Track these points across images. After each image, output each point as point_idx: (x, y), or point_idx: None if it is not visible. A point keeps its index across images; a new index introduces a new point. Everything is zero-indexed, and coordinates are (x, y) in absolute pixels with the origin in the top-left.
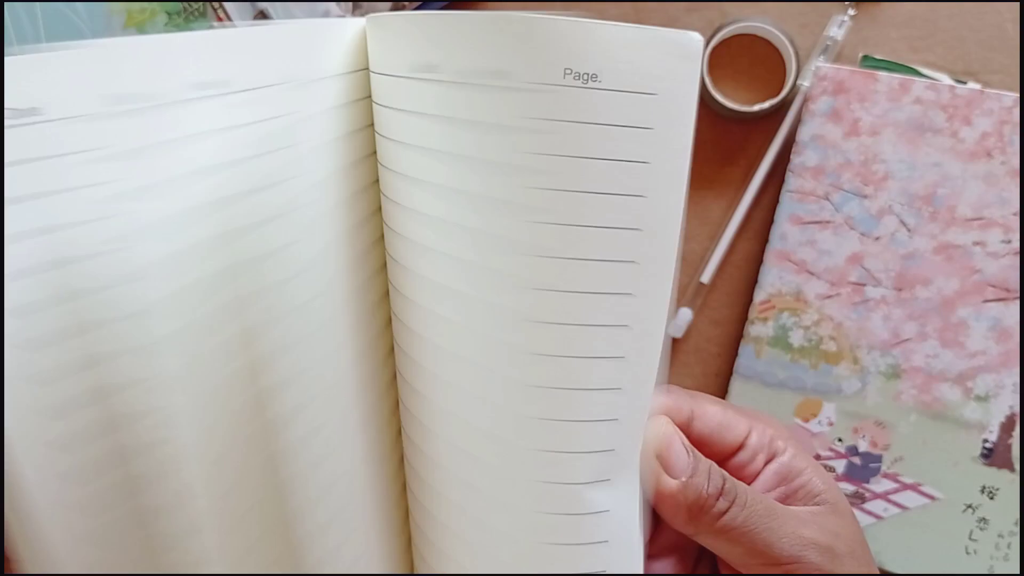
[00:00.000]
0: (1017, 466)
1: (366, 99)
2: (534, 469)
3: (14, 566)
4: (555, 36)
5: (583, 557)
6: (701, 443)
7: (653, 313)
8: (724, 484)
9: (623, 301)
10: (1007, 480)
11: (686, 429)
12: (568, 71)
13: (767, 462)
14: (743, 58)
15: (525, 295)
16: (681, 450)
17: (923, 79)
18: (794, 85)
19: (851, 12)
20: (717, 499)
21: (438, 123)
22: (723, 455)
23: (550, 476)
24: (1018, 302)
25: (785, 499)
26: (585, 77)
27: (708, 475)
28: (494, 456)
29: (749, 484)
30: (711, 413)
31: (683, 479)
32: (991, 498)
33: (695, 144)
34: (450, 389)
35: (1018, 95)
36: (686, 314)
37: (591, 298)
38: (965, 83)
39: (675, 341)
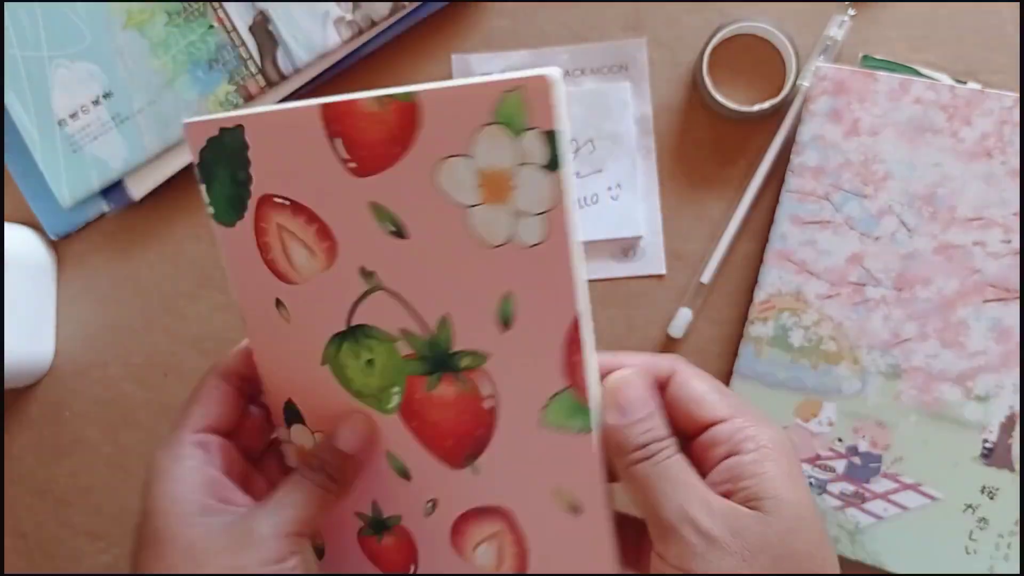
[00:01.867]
0: (1017, 466)
1: None
2: None
3: None
4: None
5: None
6: (669, 406)
7: None
8: (651, 442)
9: None
10: (1007, 480)
11: (660, 388)
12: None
13: (727, 456)
14: (743, 58)
15: None
16: (633, 395)
17: (923, 79)
18: (794, 85)
19: (851, 12)
20: (635, 451)
21: None
22: (686, 429)
23: None
24: (1018, 302)
25: (726, 495)
26: None
27: (653, 426)
28: None
29: (704, 471)
30: (692, 386)
31: (622, 421)
32: (991, 498)
33: (695, 144)
34: None
35: (1018, 95)
36: (686, 314)
37: None
38: (965, 83)
39: (675, 341)
